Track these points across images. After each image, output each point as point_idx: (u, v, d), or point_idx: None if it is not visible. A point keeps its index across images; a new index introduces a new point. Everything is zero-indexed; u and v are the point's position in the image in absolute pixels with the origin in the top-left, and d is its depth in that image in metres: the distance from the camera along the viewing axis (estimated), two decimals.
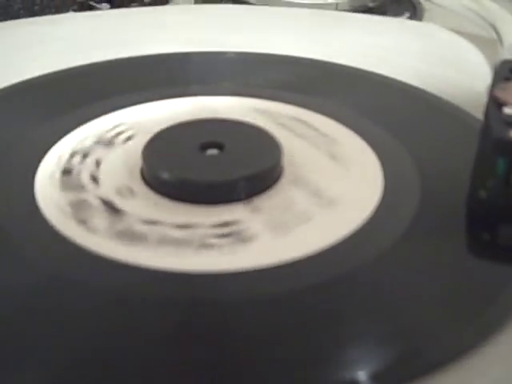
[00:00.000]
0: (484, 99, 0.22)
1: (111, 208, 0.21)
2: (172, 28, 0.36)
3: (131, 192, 0.22)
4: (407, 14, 0.49)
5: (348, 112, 0.27)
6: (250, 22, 0.37)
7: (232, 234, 0.20)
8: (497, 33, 0.29)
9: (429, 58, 0.33)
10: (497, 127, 0.20)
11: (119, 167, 0.23)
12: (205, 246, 0.19)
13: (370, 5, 0.48)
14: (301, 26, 0.37)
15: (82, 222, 0.20)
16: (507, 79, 0.23)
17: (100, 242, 0.20)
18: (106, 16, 0.41)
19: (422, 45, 0.35)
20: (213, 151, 0.23)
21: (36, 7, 0.54)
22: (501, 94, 0.21)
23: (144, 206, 0.21)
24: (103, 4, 0.49)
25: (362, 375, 0.16)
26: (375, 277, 0.19)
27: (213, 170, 0.22)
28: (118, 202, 0.21)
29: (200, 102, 0.27)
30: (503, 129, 0.20)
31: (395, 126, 0.26)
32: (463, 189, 0.22)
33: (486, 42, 0.32)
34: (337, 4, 0.48)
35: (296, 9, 0.42)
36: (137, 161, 0.23)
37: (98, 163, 0.23)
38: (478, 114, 0.24)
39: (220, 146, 0.23)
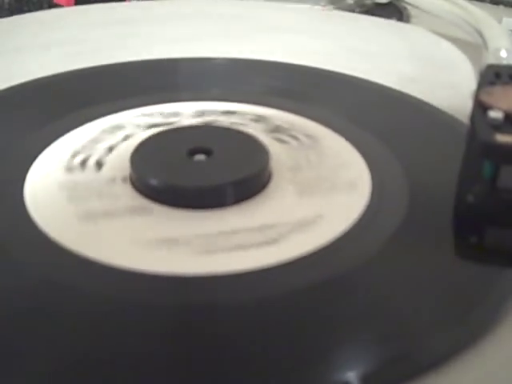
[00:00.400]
0: (470, 103, 0.22)
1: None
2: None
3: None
4: (394, 20, 0.49)
5: (335, 117, 0.27)
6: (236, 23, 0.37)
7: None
8: (482, 38, 0.30)
9: (415, 61, 0.33)
10: (483, 131, 0.20)
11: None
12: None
13: (357, 10, 0.48)
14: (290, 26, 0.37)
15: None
16: (492, 83, 0.23)
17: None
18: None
19: (409, 47, 0.35)
20: (200, 157, 0.23)
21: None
22: (486, 98, 0.22)
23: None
24: None
25: (351, 377, 0.16)
26: (363, 280, 0.19)
27: (200, 175, 0.22)
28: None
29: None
30: (489, 132, 0.20)
31: (383, 130, 0.26)
32: (451, 193, 0.22)
33: (472, 46, 0.32)
34: (324, 10, 0.48)
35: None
36: None
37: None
38: (464, 117, 0.24)
39: (208, 152, 0.23)
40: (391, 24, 0.41)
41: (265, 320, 0.17)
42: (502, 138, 0.20)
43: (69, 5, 0.48)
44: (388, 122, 0.27)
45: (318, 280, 0.19)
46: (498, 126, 0.20)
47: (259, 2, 0.48)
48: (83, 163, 0.24)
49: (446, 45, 0.35)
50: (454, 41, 0.35)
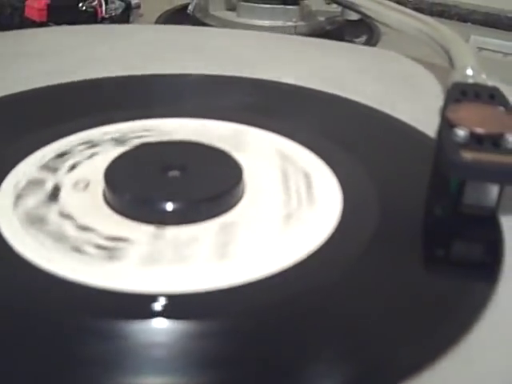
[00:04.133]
0: (437, 120, 0.23)
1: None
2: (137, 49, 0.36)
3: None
4: (364, 37, 0.50)
5: (307, 133, 0.27)
6: (212, 45, 0.38)
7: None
8: (449, 56, 0.30)
9: (384, 80, 0.34)
10: (449, 148, 0.21)
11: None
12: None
13: (328, 28, 0.49)
14: (264, 49, 0.38)
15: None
16: (458, 101, 0.24)
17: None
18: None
19: (377, 69, 0.36)
20: (174, 173, 0.23)
21: None
22: (452, 116, 0.22)
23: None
24: (62, 26, 0.49)
25: None
26: (334, 295, 0.19)
27: (173, 191, 0.22)
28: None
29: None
30: (455, 150, 0.20)
31: (352, 145, 0.26)
32: (420, 207, 0.23)
33: (439, 64, 0.33)
34: (295, 27, 0.49)
35: (257, 32, 0.42)
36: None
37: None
38: (431, 132, 0.24)
39: (182, 168, 0.23)
40: (357, 48, 0.42)
41: (237, 336, 0.18)
42: (467, 155, 0.20)
43: (41, 19, 0.47)
44: (357, 136, 0.28)
45: (288, 295, 0.19)
46: (463, 144, 0.21)
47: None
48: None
49: (413, 63, 0.36)
50: (422, 57, 0.36)
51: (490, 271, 0.20)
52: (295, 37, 0.45)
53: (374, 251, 0.21)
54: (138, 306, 0.18)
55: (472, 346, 0.17)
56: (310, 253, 0.20)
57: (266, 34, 0.42)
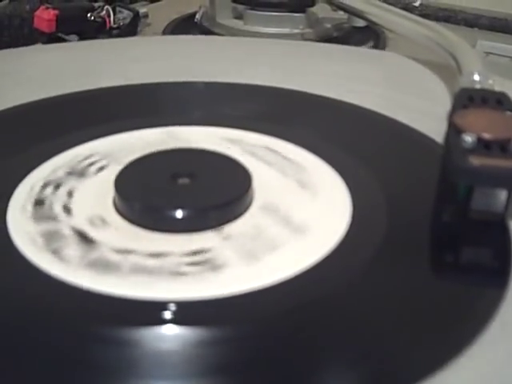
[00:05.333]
0: (444, 125, 0.23)
1: (84, 238, 0.21)
2: (142, 59, 0.36)
3: (103, 222, 0.22)
4: (371, 43, 0.50)
5: (315, 140, 0.28)
6: (218, 53, 0.38)
7: (204, 262, 0.20)
8: (456, 61, 0.30)
9: (391, 85, 0.34)
10: (456, 154, 0.21)
11: (92, 197, 0.23)
12: (178, 274, 0.20)
13: (335, 34, 0.49)
14: (271, 57, 0.38)
15: (55, 252, 0.21)
16: (466, 106, 0.24)
17: (73, 271, 0.20)
18: (76, 47, 0.41)
19: (383, 72, 0.36)
20: (184, 180, 0.23)
21: (5, 39, 0.55)
22: (460, 121, 0.22)
23: (116, 235, 0.21)
24: (71, 36, 0.50)
25: None
26: (345, 302, 0.19)
27: (183, 198, 0.23)
28: (91, 232, 0.22)
29: (171, 132, 0.28)
30: (462, 155, 0.21)
31: (362, 152, 0.27)
32: (428, 213, 0.23)
33: (446, 70, 0.33)
34: (302, 34, 0.49)
35: (265, 40, 0.42)
36: (109, 190, 0.23)
37: (70, 194, 0.24)
38: (440, 138, 0.25)
39: (191, 176, 0.23)
40: (364, 51, 0.42)
41: (248, 343, 0.18)
42: (475, 161, 0.20)
43: (50, 30, 0.48)
44: (366, 143, 0.28)
45: (299, 303, 0.19)
46: (471, 149, 0.21)
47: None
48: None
49: (421, 68, 0.36)
50: (429, 64, 0.36)
51: (499, 276, 0.20)
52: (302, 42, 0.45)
53: (383, 257, 0.21)
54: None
55: (483, 349, 0.17)
56: (320, 260, 0.20)
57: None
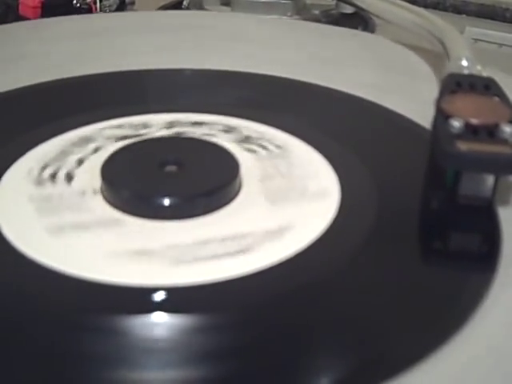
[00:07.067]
0: (432, 110, 0.23)
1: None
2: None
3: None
4: (359, 30, 0.50)
5: (302, 125, 0.27)
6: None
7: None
8: (444, 47, 0.30)
9: (377, 68, 0.34)
10: (444, 139, 0.21)
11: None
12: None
13: (323, 21, 0.49)
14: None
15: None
16: (453, 92, 0.24)
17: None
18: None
19: (371, 56, 0.36)
20: (171, 168, 0.23)
21: None
22: (447, 107, 0.22)
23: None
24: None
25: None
26: (334, 288, 0.19)
27: (171, 186, 0.22)
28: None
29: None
30: (450, 141, 0.21)
31: (349, 138, 0.27)
32: (416, 199, 0.23)
33: (434, 55, 0.33)
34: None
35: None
36: None
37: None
38: (427, 124, 0.25)
39: (179, 163, 0.23)
40: (354, 33, 0.42)
41: (240, 329, 0.18)
42: (462, 146, 0.20)
43: (35, 17, 0.47)
44: (354, 129, 0.28)
45: (292, 287, 0.19)
46: (458, 134, 0.21)
47: (221, 13, 0.49)
48: (53, 176, 0.24)
49: (408, 53, 0.36)
50: (417, 50, 0.36)
51: (487, 261, 0.20)
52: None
53: (371, 244, 0.21)
54: None
55: (471, 336, 0.17)
56: (307, 246, 0.20)
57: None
